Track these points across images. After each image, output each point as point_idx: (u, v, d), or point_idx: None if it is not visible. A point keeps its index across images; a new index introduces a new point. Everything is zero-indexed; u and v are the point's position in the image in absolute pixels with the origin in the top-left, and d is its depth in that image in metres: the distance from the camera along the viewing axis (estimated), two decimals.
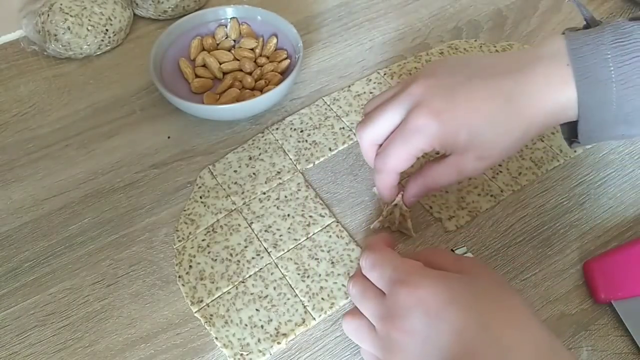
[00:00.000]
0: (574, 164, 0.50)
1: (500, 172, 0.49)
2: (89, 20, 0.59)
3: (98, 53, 0.61)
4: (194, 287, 0.44)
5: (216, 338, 0.41)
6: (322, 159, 0.51)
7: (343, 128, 0.53)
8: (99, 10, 0.60)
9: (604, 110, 0.37)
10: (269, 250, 0.45)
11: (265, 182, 0.49)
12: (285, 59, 0.56)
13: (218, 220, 0.47)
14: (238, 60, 0.57)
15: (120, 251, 0.46)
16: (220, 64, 0.57)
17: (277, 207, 0.48)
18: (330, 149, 0.52)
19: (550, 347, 0.31)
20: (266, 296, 0.43)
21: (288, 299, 0.43)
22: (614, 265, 0.41)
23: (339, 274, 0.44)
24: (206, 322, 0.42)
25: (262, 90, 0.54)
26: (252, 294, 0.43)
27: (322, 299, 0.43)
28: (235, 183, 0.50)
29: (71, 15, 0.59)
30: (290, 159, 0.51)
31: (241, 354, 0.40)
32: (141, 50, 0.62)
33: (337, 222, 0.47)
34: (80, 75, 0.59)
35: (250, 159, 0.51)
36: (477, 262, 0.38)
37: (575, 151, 0.50)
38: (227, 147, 0.53)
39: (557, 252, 0.45)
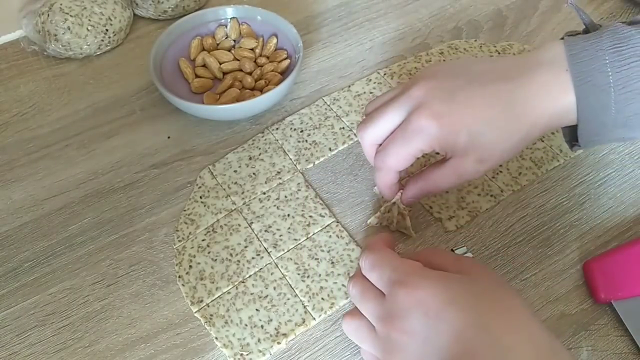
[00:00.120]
0: (574, 164, 0.50)
1: (500, 172, 0.49)
2: (89, 20, 0.59)
3: (98, 53, 0.61)
4: (194, 287, 0.44)
5: (216, 338, 0.41)
6: (322, 159, 0.51)
7: (343, 128, 0.53)
8: (99, 10, 0.60)
9: (603, 115, 0.37)
10: (269, 250, 0.45)
11: (265, 182, 0.49)
12: (285, 59, 0.56)
13: (218, 220, 0.47)
14: (238, 60, 0.57)
15: (120, 251, 0.46)
16: (220, 64, 0.57)
17: (277, 207, 0.48)
18: (330, 149, 0.52)
19: (550, 347, 0.31)
20: (266, 296, 0.43)
21: (288, 299, 0.43)
22: (614, 265, 0.41)
23: (339, 274, 0.44)
24: (206, 322, 0.42)
25: (262, 90, 0.54)
26: (252, 294, 0.43)
27: (322, 299, 0.43)
28: (235, 183, 0.50)
29: (71, 15, 0.59)
30: (290, 159, 0.51)
31: (241, 354, 0.40)
32: (141, 50, 0.62)
33: (337, 222, 0.47)
34: (80, 75, 0.59)
35: (250, 159, 0.51)
36: (477, 262, 0.38)
37: (575, 151, 0.50)
38: (227, 147, 0.53)
39: (557, 252, 0.45)
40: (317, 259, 0.45)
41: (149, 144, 0.53)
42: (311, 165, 0.51)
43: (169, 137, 0.54)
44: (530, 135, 0.39)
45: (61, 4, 0.59)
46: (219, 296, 0.43)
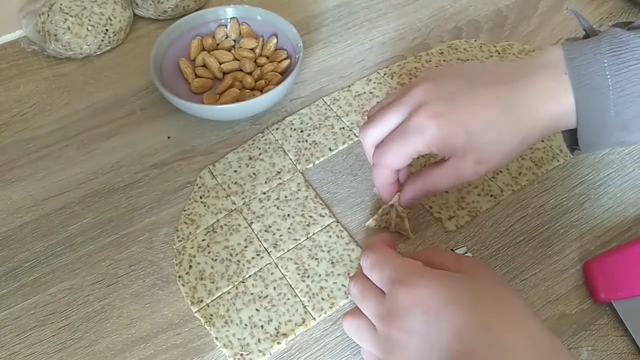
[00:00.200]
0: (574, 164, 0.50)
1: (500, 172, 0.49)
2: (89, 20, 0.59)
3: (98, 53, 0.61)
4: (194, 287, 0.44)
5: (216, 338, 0.41)
6: (322, 159, 0.51)
7: (343, 128, 0.53)
8: (99, 10, 0.60)
9: (602, 117, 0.37)
10: (269, 250, 0.45)
11: (265, 182, 0.49)
12: (285, 59, 0.56)
13: (218, 220, 0.47)
14: (238, 60, 0.57)
15: (120, 251, 0.46)
16: (220, 64, 0.57)
17: (277, 207, 0.48)
18: (330, 149, 0.52)
19: (551, 347, 0.31)
20: (266, 296, 0.43)
21: (288, 299, 0.43)
22: (614, 265, 0.41)
23: (339, 274, 0.44)
24: (206, 322, 0.42)
25: (262, 90, 0.54)
26: (252, 294, 0.43)
27: (322, 299, 0.43)
28: (235, 183, 0.50)
29: (71, 15, 0.59)
30: (290, 159, 0.51)
31: (241, 354, 0.40)
32: (141, 50, 0.62)
33: (337, 222, 0.47)
34: (80, 75, 0.59)
35: (250, 159, 0.51)
36: (477, 262, 0.38)
37: (575, 156, 0.50)
38: (227, 147, 0.53)
39: (557, 252, 0.45)
40: (317, 259, 0.45)
41: (149, 144, 0.53)
42: (311, 165, 0.51)
43: (169, 137, 0.54)
44: (530, 138, 0.39)
45: (61, 4, 0.59)
46: (219, 296, 0.43)
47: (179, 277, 0.44)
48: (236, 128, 0.54)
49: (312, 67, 0.59)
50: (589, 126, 0.38)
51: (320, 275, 0.44)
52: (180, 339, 0.42)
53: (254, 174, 0.50)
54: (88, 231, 0.47)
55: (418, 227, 0.47)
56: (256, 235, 0.46)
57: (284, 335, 0.41)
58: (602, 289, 0.41)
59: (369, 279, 0.36)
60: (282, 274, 0.44)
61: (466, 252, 0.43)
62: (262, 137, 0.53)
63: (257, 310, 0.42)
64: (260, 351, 0.41)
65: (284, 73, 0.56)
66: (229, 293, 0.43)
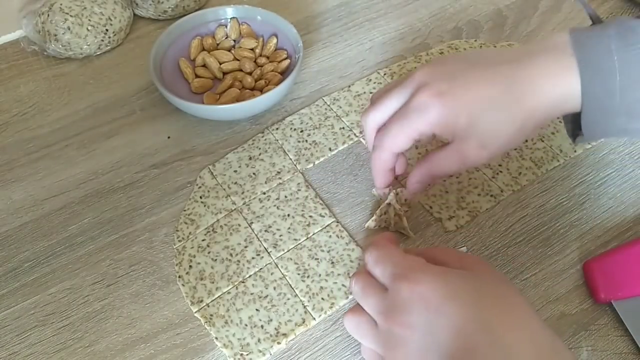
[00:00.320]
0: (574, 164, 0.50)
1: (500, 172, 0.49)
2: (89, 20, 0.59)
3: (98, 53, 0.61)
4: (194, 287, 0.44)
5: (216, 338, 0.41)
6: (322, 159, 0.51)
7: (343, 128, 0.53)
8: (99, 10, 0.60)
9: (607, 99, 0.37)
10: (269, 250, 0.45)
11: (265, 182, 0.49)
12: (285, 59, 0.56)
13: (218, 220, 0.47)
14: (238, 60, 0.57)
15: (120, 251, 0.46)
16: (220, 64, 0.57)
17: (277, 207, 0.48)
18: (330, 149, 0.52)
19: (552, 346, 0.31)
20: (266, 296, 0.43)
21: (288, 299, 0.43)
22: (614, 265, 0.41)
23: (339, 274, 0.44)
24: (206, 322, 0.42)
25: (262, 90, 0.54)
26: (252, 294, 0.43)
27: (322, 299, 0.43)
28: (235, 183, 0.50)
29: (71, 15, 0.59)
30: (290, 159, 0.51)
31: (241, 354, 0.40)
32: (141, 50, 0.62)
33: (337, 222, 0.47)
34: (80, 75, 0.59)
35: (250, 159, 0.51)
36: (480, 259, 0.38)
37: (575, 151, 0.50)
38: (227, 147, 0.53)
39: (557, 252, 0.45)
40: (317, 259, 0.45)
41: (149, 144, 0.53)
42: (311, 165, 0.51)
43: (169, 137, 0.54)
44: (532, 121, 0.38)
45: (61, 4, 0.59)
46: (219, 296, 0.43)
47: (179, 277, 0.44)
48: (236, 128, 0.54)
49: (312, 67, 0.59)
50: (593, 108, 0.38)
51: (320, 275, 0.44)
52: (180, 339, 0.42)
53: (254, 174, 0.50)
54: (88, 231, 0.47)
55: (418, 227, 0.47)
56: (256, 235, 0.46)
57: (284, 335, 0.41)
58: (602, 289, 0.41)
59: (370, 276, 0.36)
60: (282, 274, 0.44)
61: (466, 252, 0.43)
62: (262, 137, 0.53)
63: (257, 310, 0.42)
64: (260, 351, 0.41)
65: (284, 73, 0.56)
66: (229, 293, 0.43)
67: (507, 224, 0.47)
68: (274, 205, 0.48)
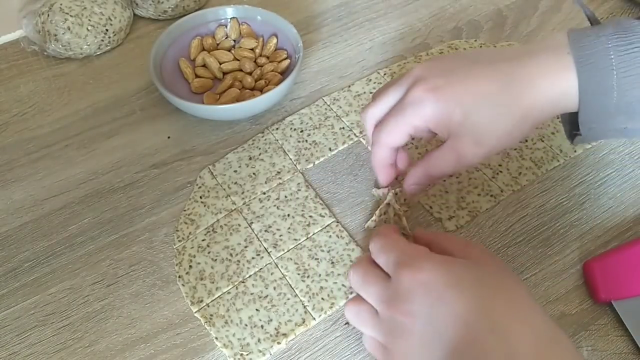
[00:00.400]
0: (574, 164, 0.50)
1: (500, 172, 0.49)
2: (89, 20, 0.59)
3: (98, 53, 0.61)
4: (194, 287, 0.44)
5: (216, 338, 0.41)
6: (322, 159, 0.51)
7: (343, 128, 0.53)
8: (99, 10, 0.60)
9: (604, 98, 0.37)
10: (269, 250, 0.45)
11: (265, 182, 0.49)
12: (285, 59, 0.56)
13: (218, 220, 0.47)
14: (238, 60, 0.57)
15: (120, 251, 0.46)
16: (220, 64, 0.57)
17: (277, 207, 0.48)
18: (330, 149, 0.52)
19: (553, 336, 0.31)
20: (266, 296, 0.43)
21: (288, 299, 0.43)
22: (614, 265, 0.41)
23: (339, 274, 0.44)
24: (206, 322, 0.42)
25: (262, 90, 0.54)
26: (252, 294, 0.43)
27: (322, 299, 0.43)
28: (235, 183, 0.50)
29: (71, 15, 0.59)
30: (290, 159, 0.51)
31: (241, 354, 0.40)
32: (141, 50, 0.62)
33: (337, 222, 0.47)
34: (80, 75, 0.59)
35: (250, 159, 0.51)
36: (485, 249, 0.38)
37: (575, 151, 0.50)
38: (227, 147, 0.53)
39: (557, 252, 0.45)
40: (317, 259, 0.45)
41: (149, 144, 0.53)
42: (311, 165, 0.51)
43: (169, 137, 0.54)
44: (528, 119, 0.38)
45: (61, 4, 0.59)
46: (219, 296, 0.43)
47: (179, 277, 0.44)
48: (236, 128, 0.54)
49: (312, 67, 0.59)
50: (591, 107, 0.38)
51: (320, 275, 0.44)
52: (180, 339, 0.42)
53: (254, 174, 0.50)
54: (88, 231, 0.47)
55: (418, 227, 0.47)
56: (256, 235, 0.46)
57: (284, 335, 0.41)
58: (602, 289, 0.41)
59: (371, 265, 0.36)
60: (282, 274, 0.44)
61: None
62: (262, 137, 0.53)
63: (257, 310, 0.42)
64: (260, 351, 0.41)
65: (284, 73, 0.56)
66: (229, 293, 0.43)
67: (507, 224, 0.47)
68: (274, 205, 0.48)
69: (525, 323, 0.31)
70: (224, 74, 0.57)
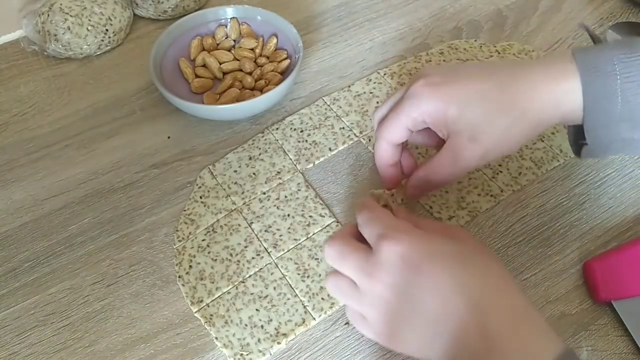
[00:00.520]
0: (574, 164, 0.50)
1: (500, 172, 0.49)
2: (89, 20, 0.59)
3: (98, 53, 0.61)
4: (194, 287, 0.44)
5: (216, 338, 0.41)
6: (322, 159, 0.51)
7: (343, 128, 0.53)
8: (99, 10, 0.60)
9: (608, 102, 0.37)
10: (269, 250, 0.45)
11: (265, 182, 0.49)
12: (285, 59, 0.56)
13: (218, 220, 0.47)
14: (238, 60, 0.57)
15: (120, 251, 0.46)
16: (220, 64, 0.57)
17: (277, 207, 0.48)
18: (330, 149, 0.52)
19: (525, 311, 0.32)
20: (266, 296, 0.43)
21: (288, 299, 0.43)
22: (614, 265, 0.41)
23: None
24: (206, 322, 0.42)
25: (262, 90, 0.54)
26: (252, 294, 0.43)
27: (322, 299, 0.43)
28: (235, 183, 0.50)
29: (71, 15, 0.59)
30: (290, 159, 0.51)
31: (241, 354, 0.40)
32: (141, 50, 0.62)
33: (337, 222, 0.47)
34: (80, 75, 0.59)
35: (250, 159, 0.51)
36: (464, 230, 0.39)
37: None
38: (227, 147, 0.53)
39: (557, 252, 0.45)
40: (317, 259, 0.45)
41: (149, 144, 0.53)
42: (311, 165, 0.51)
43: (169, 137, 0.54)
44: (526, 119, 0.39)
45: (61, 4, 0.59)
46: (219, 296, 0.43)
47: (179, 277, 0.44)
48: (236, 128, 0.54)
49: (312, 67, 0.59)
50: (595, 112, 0.38)
51: (320, 275, 0.44)
52: (180, 339, 0.42)
53: (254, 174, 0.50)
54: (88, 231, 0.47)
55: None
56: (256, 235, 0.46)
57: (284, 335, 0.41)
58: (602, 289, 0.41)
59: (348, 238, 0.37)
60: (282, 274, 0.44)
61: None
62: (262, 137, 0.53)
63: (257, 310, 0.42)
64: (260, 351, 0.41)
65: (284, 73, 0.56)
66: (229, 293, 0.43)
67: (507, 224, 0.47)
68: (274, 205, 0.48)
69: (500, 299, 0.32)
70: (224, 74, 0.57)
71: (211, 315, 0.42)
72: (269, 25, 0.58)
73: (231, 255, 0.45)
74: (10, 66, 0.61)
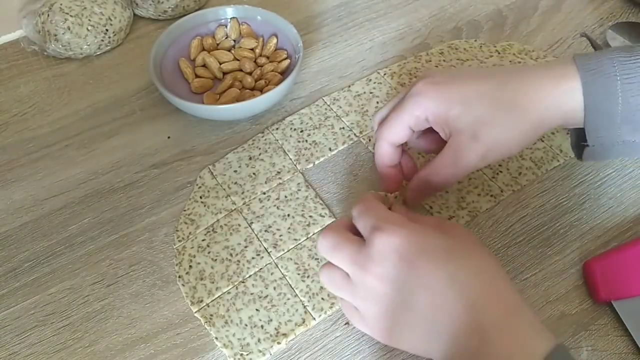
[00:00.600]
0: (574, 164, 0.50)
1: (500, 172, 0.49)
2: (89, 20, 0.59)
3: (98, 53, 0.61)
4: (194, 287, 0.44)
5: (216, 338, 0.41)
6: (322, 159, 0.51)
7: (343, 128, 0.53)
8: (99, 10, 0.60)
9: (609, 102, 0.38)
10: (269, 250, 0.45)
11: (265, 182, 0.49)
12: (285, 59, 0.56)
13: (218, 220, 0.47)
14: (238, 60, 0.57)
15: (120, 251, 0.46)
16: (220, 64, 0.57)
17: (277, 207, 0.48)
18: (330, 149, 0.52)
19: (517, 307, 0.32)
20: (266, 296, 0.43)
21: (288, 299, 0.43)
22: (614, 265, 0.41)
23: None
24: (206, 322, 0.42)
25: (262, 90, 0.54)
26: (252, 294, 0.43)
27: (322, 299, 0.43)
28: (235, 183, 0.50)
29: (71, 15, 0.59)
30: (290, 159, 0.51)
31: (241, 354, 0.40)
32: (141, 50, 0.62)
33: None
34: (80, 75, 0.59)
35: (250, 159, 0.51)
36: (459, 225, 0.40)
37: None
38: (227, 147, 0.53)
39: (557, 252, 0.45)
40: (317, 259, 0.45)
41: (149, 144, 0.53)
42: (311, 165, 0.51)
43: (169, 137, 0.54)
44: (527, 118, 0.39)
45: (61, 4, 0.59)
46: (219, 296, 0.43)
47: (179, 277, 0.44)
48: (236, 128, 0.54)
49: (312, 67, 0.59)
50: (595, 113, 0.38)
51: None
52: (180, 339, 0.42)
53: (254, 174, 0.50)
54: (88, 231, 0.47)
55: None
56: (256, 235, 0.46)
57: (284, 335, 0.41)
58: (602, 289, 0.41)
59: (342, 230, 0.37)
60: (282, 274, 0.44)
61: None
62: (262, 137, 0.53)
63: (257, 310, 0.42)
64: (260, 351, 0.41)
65: (284, 73, 0.56)
66: (229, 293, 0.43)
67: (507, 224, 0.47)
68: (274, 205, 0.48)
69: (491, 293, 0.32)
70: (224, 74, 0.57)
71: (211, 315, 0.42)
72: (269, 25, 0.58)
73: (231, 255, 0.45)
74: (10, 66, 0.61)
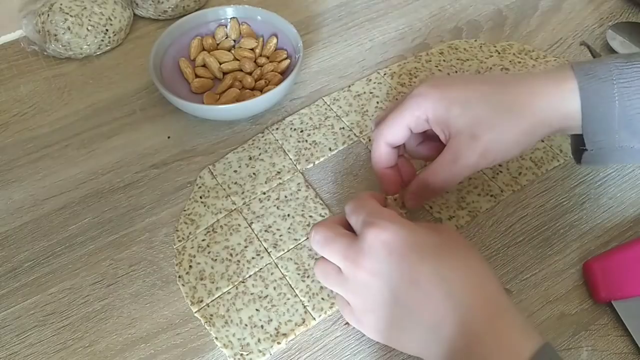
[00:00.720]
0: (574, 164, 0.50)
1: (500, 172, 0.49)
2: (89, 20, 0.59)
3: (98, 53, 0.61)
4: (194, 287, 0.44)
5: (216, 338, 0.41)
6: (322, 159, 0.51)
7: (343, 128, 0.53)
8: (99, 10, 0.60)
9: (606, 106, 0.38)
10: (269, 250, 0.45)
11: (265, 182, 0.49)
12: (285, 59, 0.56)
13: (218, 220, 0.47)
14: (238, 60, 0.57)
15: (120, 251, 0.46)
16: (220, 64, 0.57)
17: (277, 207, 0.48)
18: (330, 149, 0.52)
19: (504, 306, 0.33)
20: (266, 296, 0.43)
21: (288, 299, 0.43)
22: (614, 265, 0.41)
23: None
24: (206, 322, 0.42)
25: (262, 90, 0.54)
26: (252, 294, 0.43)
27: (322, 299, 0.43)
28: (235, 183, 0.50)
29: (71, 15, 0.59)
30: (290, 159, 0.51)
31: (241, 354, 0.40)
32: (141, 50, 0.62)
33: None
34: (80, 75, 0.59)
35: (250, 159, 0.51)
36: (450, 227, 0.40)
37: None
38: (227, 147, 0.53)
39: (557, 252, 0.45)
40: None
41: (149, 144, 0.53)
42: (311, 165, 0.51)
43: (169, 137, 0.54)
44: (526, 120, 0.39)
45: (61, 4, 0.59)
46: (219, 296, 0.43)
47: (179, 277, 0.44)
48: (236, 128, 0.54)
49: (312, 67, 0.59)
50: (593, 116, 0.38)
51: None
52: (180, 339, 0.42)
53: (254, 174, 0.50)
54: (88, 231, 0.47)
55: None
56: (256, 235, 0.46)
57: (284, 335, 0.41)
58: (602, 289, 0.41)
59: (334, 225, 0.37)
60: (282, 274, 0.44)
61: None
62: (262, 137, 0.53)
63: (257, 310, 0.42)
64: (260, 351, 0.41)
65: (284, 73, 0.56)
66: (229, 293, 0.43)
67: (507, 224, 0.47)
68: (274, 205, 0.48)
69: (480, 294, 0.33)
70: (224, 74, 0.57)
71: (211, 315, 0.42)
72: (269, 25, 0.58)
73: (231, 255, 0.45)
74: (10, 66, 0.61)
